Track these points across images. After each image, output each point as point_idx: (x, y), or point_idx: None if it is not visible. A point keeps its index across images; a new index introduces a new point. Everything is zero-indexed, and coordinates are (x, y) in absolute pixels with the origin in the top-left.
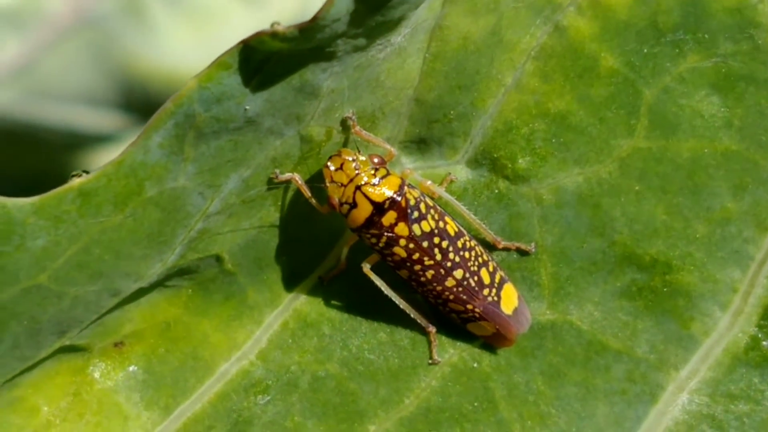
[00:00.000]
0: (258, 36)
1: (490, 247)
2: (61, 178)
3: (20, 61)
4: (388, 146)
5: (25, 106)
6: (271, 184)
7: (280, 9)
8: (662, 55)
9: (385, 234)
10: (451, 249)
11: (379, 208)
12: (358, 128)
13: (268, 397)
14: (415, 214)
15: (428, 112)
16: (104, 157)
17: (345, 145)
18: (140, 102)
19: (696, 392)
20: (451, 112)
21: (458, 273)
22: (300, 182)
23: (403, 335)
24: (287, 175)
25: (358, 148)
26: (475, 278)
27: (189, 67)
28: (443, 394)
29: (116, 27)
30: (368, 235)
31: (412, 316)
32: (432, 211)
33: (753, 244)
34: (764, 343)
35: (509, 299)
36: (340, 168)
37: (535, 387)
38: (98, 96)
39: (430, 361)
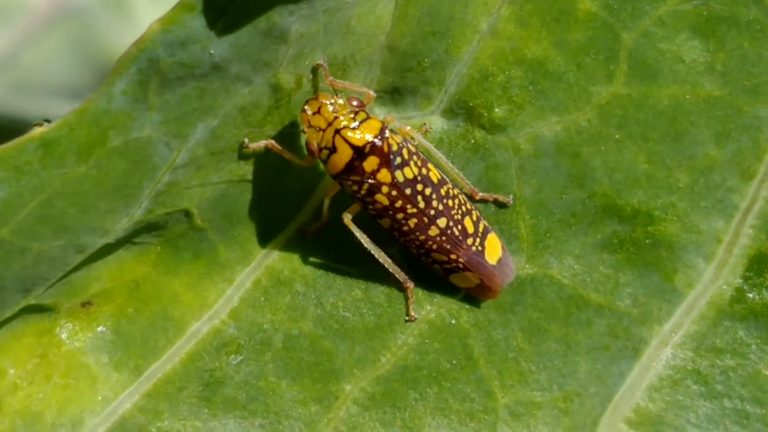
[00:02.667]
0: None
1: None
2: None
3: (2, 54)
4: (364, 89)
5: (7, 100)
6: (242, 151)
7: None
8: None
9: (367, 181)
10: (434, 197)
11: (360, 152)
12: (331, 78)
13: (241, 357)
14: (398, 160)
15: (401, 60)
16: None
17: (316, 93)
18: None
19: (680, 346)
20: (425, 60)
21: (442, 221)
22: (277, 146)
23: (379, 291)
24: (261, 143)
25: (335, 91)
26: (459, 227)
27: None
28: (421, 352)
29: (98, 18)
30: (349, 182)
31: (390, 270)
32: (415, 157)
33: (737, 192)
34: (749, 295)
35: (493, 249)
36: (318, 112)
37: (515, 343)
38: (81, 88)
39: (406, 318)
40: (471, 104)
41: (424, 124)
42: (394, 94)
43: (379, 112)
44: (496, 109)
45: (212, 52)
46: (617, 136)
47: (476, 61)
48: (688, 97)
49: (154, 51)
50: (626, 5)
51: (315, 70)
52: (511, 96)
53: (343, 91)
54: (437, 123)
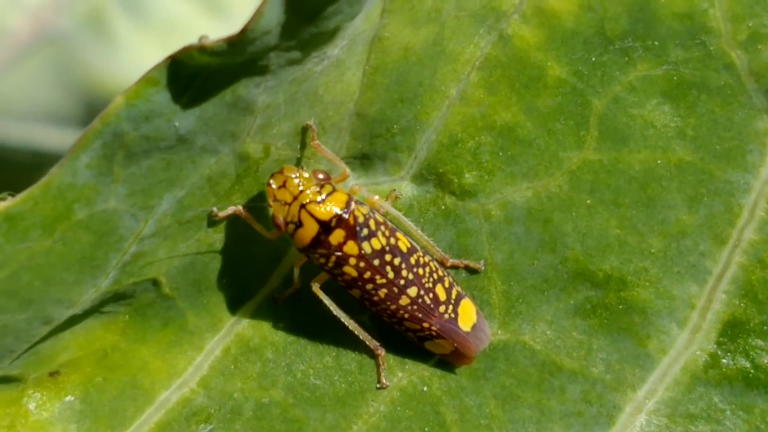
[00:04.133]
0: (186, 50)
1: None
2: None
3: None
4: (342, 164)
5: None
6: (212, 219)
7: (245, 20)
8: (611, 64)
9: (334, 253)
10: (403, 266)
11: (326, 226)
12: (317, 142)
13: (211, 426)
14: (365, 231)
15: (370, 127)
16: None
17: (302, 152)
18: None
19: (654, 413)
20: (394, 126)
21: (412, 291)
22: (246, 214)
23: (350, 358)
24: (230, 210)
25: (301, 164)
26: (431, 295)
27: None
28: (393, 420)
29: (78, 42)
30: (316, 255)
31: (361, 338)
32: (382, 227)
33: (710, 257)
34: (724, 360)
35: (467, 315)
36: (283, 186)
37: (488, 410)
38: (61, 114)
39: (378, 385)
40: (441, 170)
41: (394, 190)
42: (363, 160)
43: (350, 179)
44: (467, 175)
45: (177, 124)
46: (589, 202)
47: (446, 127)
48: (659, 161)
49: (118, 125)
50: (596, 71)
51: (304, 131)
52: (482, 162)
53: (324, 158)
54: (407, 189)
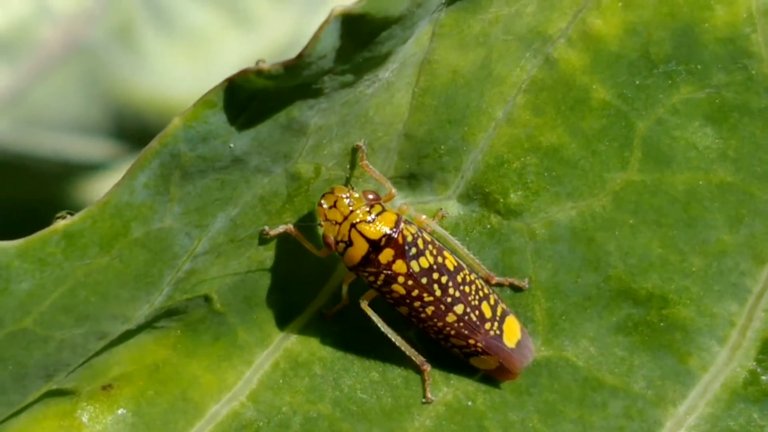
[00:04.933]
0: (243, 74)
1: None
2: (54, 208)
3: (11, 91)
4: (389, 184)
5: (17, 136)
6: (263, 238)
7: (273, 32)
8: (655, 87)
9: (383, 272)
10: (450, 284)
11: (376, 245)
12: (366, 162)
13: None
14: (413, 250)
15: (418, 147)
16: (96, 186)
17: (352, 171)
18: (133, 130)
19: (694, 428)
20: (442, 146)
21: (459, 308)
22: (296, 232)
23: (396, 374)
24: (281, 228)
25: (351, 185)
26: (476, 312)
27: (182, 93)
28: None
29: (107, 54)
30: (366, 273)
31: (407, 353)
32: (430, 246)
33: (750, 276)
34: (763, 377)
35: (512, 332)
36: (334, 206)
37: (531, 425)
38: (90, 124)
39: (423, 400)
40: (487, 190)
41: (441, 209)
42: (411, 180)
43: (397, 198)
44: (512, 195)
45: (232, 145)
46: (631, 222)
47: (492, 148)
48: (701, 183)
49: (175, 146)
50: (640, 94)
51: (354, 151)
52: (527, 182)
53: (372, 178)
54: (453, 208)
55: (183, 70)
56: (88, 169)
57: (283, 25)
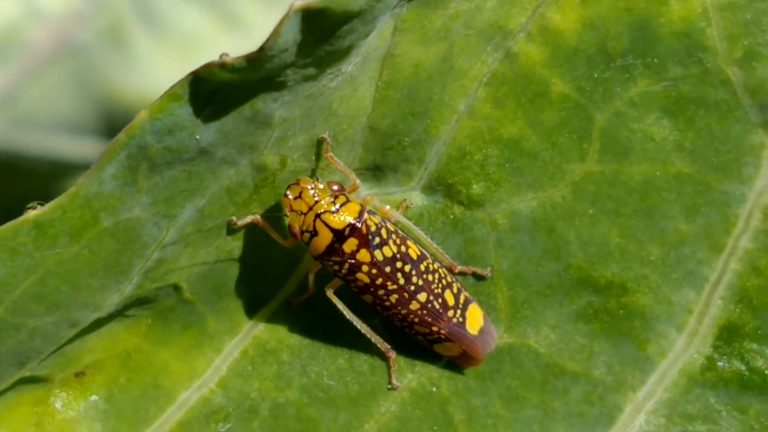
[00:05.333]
0: (207, 67)
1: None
2: None
3: (2, 91)
4: (353, 176)
5: (8, 135)
6: (231, 228)
7: (261, 34)
8: (612, 80)
9: (347, 261)
10: (414, 273)
11: (340, 235)
12: (330, 154)
13: (229, 425)
14: (377, 239)
15: (382, 140)
16: None
17: (317, 162)
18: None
19: (653, 413)
20: (405, 139)
21: (422, 296)
22: (263, 223)
23: (362, 361)
24: (248, 218)
25: (316, 176)
26: (440, 300)
27: None
28: (403, 419)
29: (98, 55)
30: (330, 263)
31: (372, 341)
32: (393, 236)
33: (707, 265)
34: (720, 363)
35: (474, 319)
36: (299, 196)
37: (494, 410)
38: (81, 124)
39: (389, 387)
40: (450, 181)
41: (405, 200)
42: (375, 171)
43: (362, 188)
44: (474, 186)
45: (198, 137)
46: (591, 212)
47: (454, 140)
48: (658, 173)
49: (143, 138)
50: (598, 87)
51: (319, 143)
52: (489, 173)
53: (337, 170)
54: (417, 199)
55: (172, 70)
56: (79, 168)
57: (272, 27)
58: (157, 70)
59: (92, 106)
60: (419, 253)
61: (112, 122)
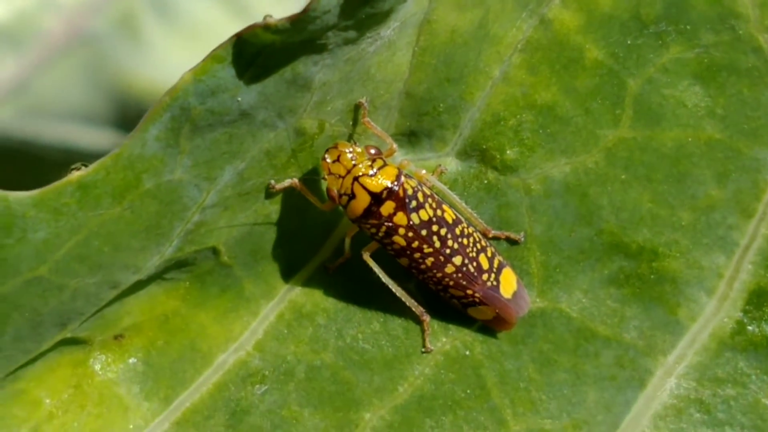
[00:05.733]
0: (251, 29)
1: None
2: None
3: (16, 80)
4: (390, 140)
5: (21, 125)
6: (269, 192)
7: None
8: (645, 47)
9: (385, 224)
10: (449, 236)
11: (377, 198)
12: (367, 119)
13: (265, 387)
14: (413, 203)
15: (418, 105)
16: None
17: (355, 127)
18: (135, 119)
19: (684, 377)
20: (441, 104)
21: (457, 259)
22: (301, 186)
23: (397, 324)
24: (286, 182)
25: (354, 140)
26: (474, 264)
27: None
28: (436, 382)
29: (110, 44)
30: (368, 225)
31: (407, 304)
32: (429, 199)
33: (737, 230)
34: (749, 327)
35: (508, 283)
36: (337, 160)
37: (526, 374)
38: (93, 114)
39: (423, 350)
40: (484, 147)
41: (440, 165)
42: (411, 137)
43: (398, 154)
44: (508, 152)
45: (240, 99)
46: (623, 177)
47: (489, 106)
48: (690, 139)
49: (185, 99)
50: (631, 53)
51: (356, 108)
52: (522, 139)
53: (374, 134)
54: (452, 164)
55: (184, 60)
56: (92, 157)
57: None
58: (169, 60)
59: (105, 96)
60: (454, 217)
61: (124, 112)
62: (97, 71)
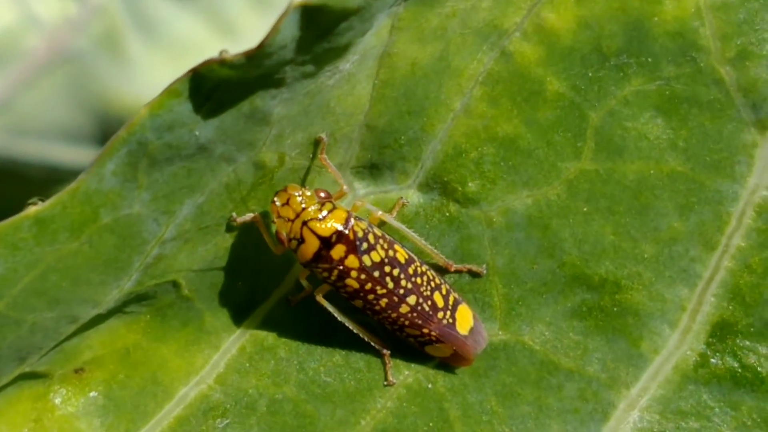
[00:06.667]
0: (207, 64)
1: (442, 270)
2: None
3: None
4: (342, 181)
5: (4, 143)
6: (230, 225)
7: (256, 40)
8: (607, 79)
9: (336, 267)
10: (402, 276)
11: (327, 242)
12: (324, 156)
13: (227, 421)
14: (364, 245)
15: (379, 138)
16: None
17: (312, 161)
18: None
19: (647, 410)
20: (402, 137)
21: (411, 299)
22: (261, 222)
23: (359, 357)
24: (247, 216)
25: (303, 183)
26: (429, 302)
27: None
28: (399, 415)
29: (93, 62)
30: (319, 269)
31: (366, 339)
32: (381, 240)
33: (700, 262)
34: (713, 360)
35: (464, 320)
36: (287, 203)
37: (489, 407)
38: (76, 131)
39: (385, 383)
40: (446, 179)
41: (401, 198)
42: (372, 169)
43: (358, 186)
44: (470, 184)
45: (198, 134)
46: (585, 209)
47: (450, 138)
48: (652, 172)
49: (143, 134)
50: (593, 86)
51: (316, 143)
52: (484, 171)
53: (327, 171)
54: (414, 197)
55: (167, 77)
56: (75, 175)
57: (266, 33)
58: (151, 77)
59: (87, 113)
60: (407, 256)
61: (107, 129)
62: (80, 89)
